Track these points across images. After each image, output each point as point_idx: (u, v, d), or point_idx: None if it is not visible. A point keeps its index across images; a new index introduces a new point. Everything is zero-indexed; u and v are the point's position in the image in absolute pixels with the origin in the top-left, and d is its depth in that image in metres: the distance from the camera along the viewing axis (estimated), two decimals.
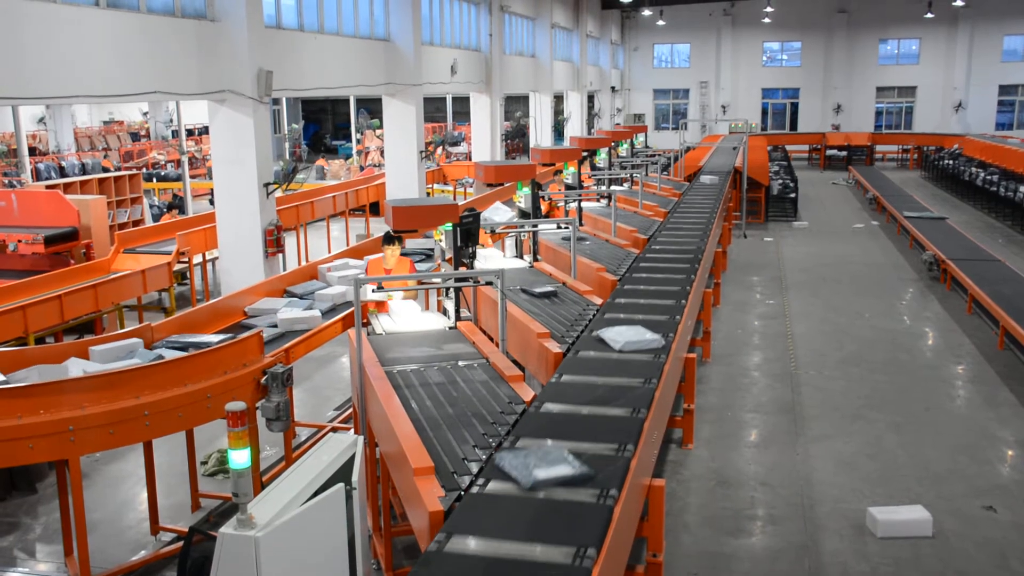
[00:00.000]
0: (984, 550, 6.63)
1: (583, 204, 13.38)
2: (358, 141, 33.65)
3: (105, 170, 22.70)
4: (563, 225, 11.49)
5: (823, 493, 7.56)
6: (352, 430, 7.99)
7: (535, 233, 10.42)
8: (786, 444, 8.61)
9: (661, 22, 42.33)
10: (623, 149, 18.79)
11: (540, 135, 30.78)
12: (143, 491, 7.48)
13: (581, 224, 12.56)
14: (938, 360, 11.32)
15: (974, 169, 25.89)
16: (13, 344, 9.35)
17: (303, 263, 15.14)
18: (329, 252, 15.30)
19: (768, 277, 16.05)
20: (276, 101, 34.76)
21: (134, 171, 20.09)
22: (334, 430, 8.68)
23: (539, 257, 10.44)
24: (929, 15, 38.82)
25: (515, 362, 6.87)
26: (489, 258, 10.44)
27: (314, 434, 9.05)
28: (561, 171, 15.03)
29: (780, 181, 23.72)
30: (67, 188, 16.33)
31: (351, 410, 8.59)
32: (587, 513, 4.07)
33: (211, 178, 13.72)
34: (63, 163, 23.95)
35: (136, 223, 17.53)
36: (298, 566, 3.65)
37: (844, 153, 37.05)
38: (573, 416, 5.30)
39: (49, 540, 7.04)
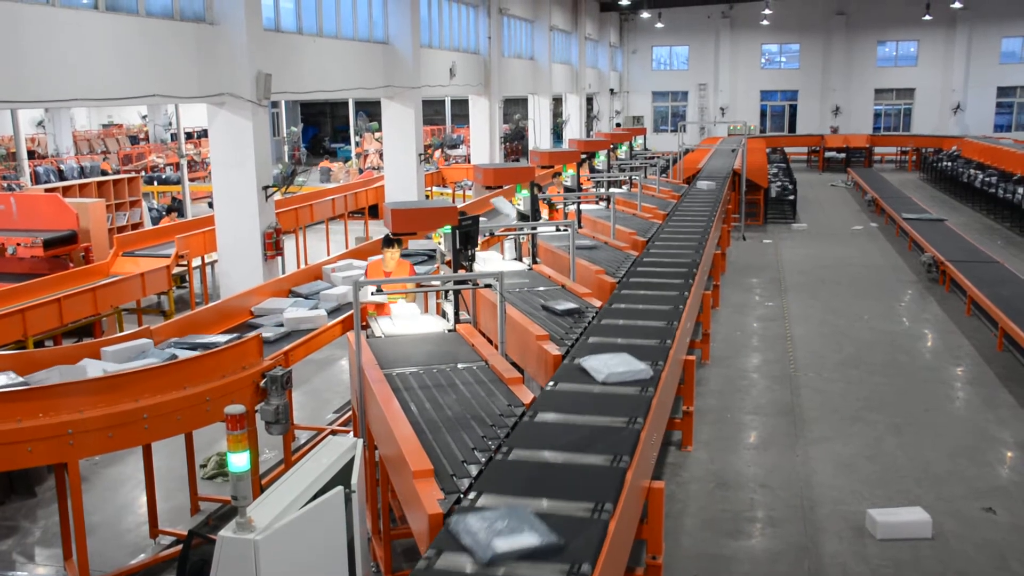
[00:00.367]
0: (983, 552, 6.63)
1: (582, 206, 13.40)
2: (357, 144, 33.66)
3: (104, 173, 22.71)
4: (562, 228, 11.49)
5: (822, 495, 7.56)
6: (351, 433, 8.00)
7: (534, 235, 10.42)
8: (785, 446, 8.61)
9: (660, 24, 42.37)
10: (622, 151, 18.79)
11: (539, 138, 30.79)
12: (142, 494, 7.48)
13: (580, 227, 12.57)
14: (937, 362, 11.33)
15: (973, 171, 25.92)
16: (12, 347, 9.34)
17: (302, 266, 15.14)
18: (328, 255, 15.31)
19: (767, 279, 16.06)
20: (275, 104, 34.79)
21: (133, 174, 20.09)
22: (333, 433, 8.68)
23: (538, 259, 10.44)
24: (927, 17, 38.88)
25: (514, 364, 6.88)
26: (488, 261, 10.45)
27: (313, 437, 9.04)
28: (560, 174, 15.04)
29: (779, 183, 23.73)
30: (66, 191, 16.34)
31: (350, 413, 8.59)
32: None
33: (210, 181, 13.72)
34: (62, 166, 23.98)
35: (135, 226, 17.53)
36: (297, 569, 3.65)
37: (843, 155, 37.07)
38: (544, 466, 4.63)
39: (48, 544, 7.03)
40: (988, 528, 6.98)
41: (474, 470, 4.68)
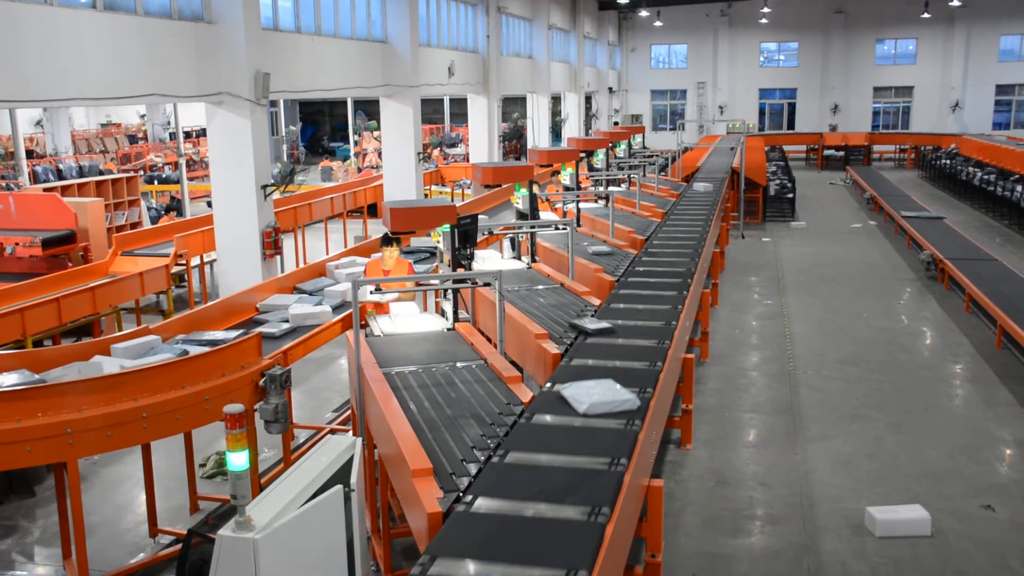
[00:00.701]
0: (983, 549, 6.63)
1: (581, 205, 13.40)
2: (355, 143, 33.65)
3: (102, 173, 22.68)
4: (560, 226, 11.48)
5: (822, 493, 7.56)
6: (351, 432, 7.99)
7: (533, 234, 10.42)
8: (785, 444, 8.62)
9: (658, 23, 42.37)
10: (621, 150, 18.79)
11: (538, 136, 30.78)
12: (141, 494, 7.48)
13: (579, 225, 12.57)
14: (936, 360, 11.33)
15: (971, 169, 25.93)
16: (11, 347, 9.34)
17: (301, 265, 15.15)
18: (327, 254, 15.31)
19: (766, 277, 16.06)
20: (274, 103, 34.77)
21: (131, 174, 20.07)
22: (333, 432, 8.68)
23: (537, 258, 10.44)
24: (926, 15, 38.90)
25: (513, 363, 6.87)
26: (487, 259, 10.45)
27: (312, 436, 9.04)
28: (559, 172, 15.04)
29: (778, 181, 23.73)
30: (64, 191, 16.32)
31: (349, 412, 8.59)
32: None
33: (209, 180, 13.72)
34: (60, 166, 23.96)
35: (134, 225, 17.52)
36: (297, 568, 3.65)
37: (841, 153, 37.08)
38: (512, 520, 4.03)
39: (47, 543, 7.03)
40: (987, 526, 6.98)
41: (473, 469, 4.68)
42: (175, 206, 20.81)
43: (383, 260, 8.63)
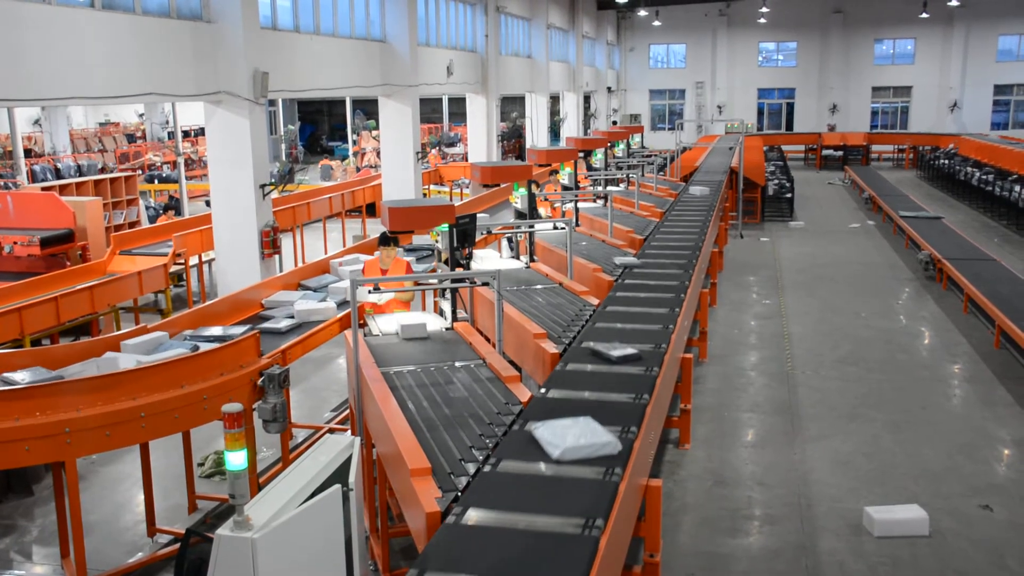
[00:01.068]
0: (981, 549, 6.63)
1: (580, 204, 13.40)
2: (354, 142, 33.63)
3: (104, 170, 22.68)
4: (559, 225, 11.49)
5: (820, 492, 7.56)
6: (349, 431, 7.99)
7: (531, 234, 10.42)
8: (783, 444, 8.62)
9: (657, 22, 42.38)
10: (619, 149, 18.79)
11: (536, 136, 30.79)
12: (140, 493, 7.47)
13: (577, 225, 12.58)
14: (934, 359, 11.34)
15: (969, 169, 25.94)
16: (9, 346, 9.33)
17: (299, 264, 15.15)
18: (326, 253, 15.32)
19: (764, 277, 16.07)
20: (272, 102, 34.76)
21: (130, 173, 20.06)
22: (331, 431, 8.67)
23: (535, 258, 10.44)
24: (924, 15, 38.92)
25: (512, 363, 6.88)
26: (485, 259, 10.45)
27: (311, 435, 9.05)
28: (557, 171, 15.04)
29: (776, 181, 23.75)
30: (63, 190, 16.30)
31: (348, 411, 8.59)
32: None
33: (208, 179, 13.72)
34: (59, 165, 23.94)
35: (132, 225, 17.51)
36: (295, 567, 3.65)
37: (840, 153, 37.09)
38: None
39: (46, 542, 7.02)
40: (985, 526, 6.99)
41: (471, 468, 4.68)
42: (173, 205, 20.80)
43: (381, 260, 8.63)
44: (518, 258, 10.46)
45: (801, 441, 8.67)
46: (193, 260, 14.05)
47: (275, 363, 7.02)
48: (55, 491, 6.47)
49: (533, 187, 10.54)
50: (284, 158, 33.93)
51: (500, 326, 6.76)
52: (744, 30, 43.08)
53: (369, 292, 7.26)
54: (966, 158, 27.62)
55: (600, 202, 15.23)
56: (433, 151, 32.22)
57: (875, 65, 42.30)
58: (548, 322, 7.72)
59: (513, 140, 36.15)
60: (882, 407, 9.57)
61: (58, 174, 23.04)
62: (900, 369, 10.88)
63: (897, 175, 32.53)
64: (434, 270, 8.78)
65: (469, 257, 7.67)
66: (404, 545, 6.52)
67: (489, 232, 12.13)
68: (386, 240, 8.48)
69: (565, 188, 13.43)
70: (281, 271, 12.82)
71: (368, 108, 34.28)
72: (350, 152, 33.34)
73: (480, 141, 24.56)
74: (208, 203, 14.25)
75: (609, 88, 43.01)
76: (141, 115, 37.30)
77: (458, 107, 37.32)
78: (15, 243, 12.48)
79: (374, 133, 30.90)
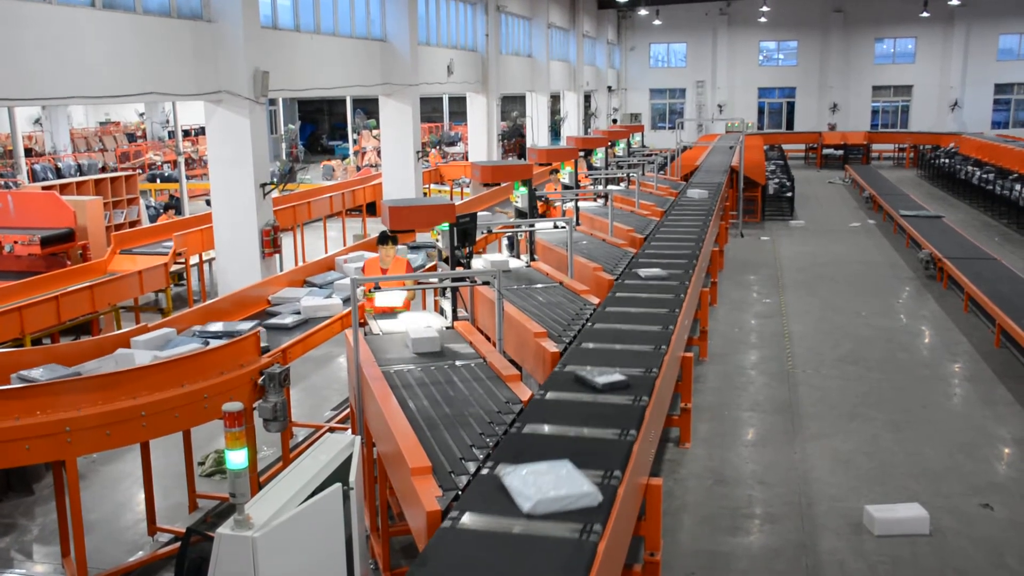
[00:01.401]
0: (981, 548, 6.63)
1: (580, 203, 13.39)
2: (355, 142, 33.64)
3: (104, 169, 22.68)
4: (559, 225, 11.48)
5: (820, 491, 7.57)
6: (349, 430, 7.99)
7: (532, 233, 10.42)
8: (783, 443, 8.62)
9: (657, 22, 42.37)
10: (620, 149, 18.79)
11: (537, 135, 30.78)
12: (140, 492, 7.47)
13: (578, 224, 12.57)
14: (935, 358, 11.34)
15: (970, 168, 25.93)
16: (10, 344, 9.34)
17: (300, 263, 15.15)
18: (326, 252, 15.33)
19: (765, 276, 16.07)
20: (272, 102, 34.76)
21: (130, 172, 20.06)
22: (331, 430, 8.68)
23: (536, 257, 10.44)
24: (925, 14, 38.89)
25: (512, 361, 6.87)
26: (491, 262, 10.44)
27: (311, 434, 9.05)
28: (558, 171, 15.03)
29: (777, 180, 23.74)
30: (63, 189, 16.31)
31: (348, 410, 8.59)
32: None
33: (208, 179, 13.73)
34: (59, 164, 23.94)
35: (133, 224, 17.51)
36: (295, 566, 3.65)
37: (840, 152, 37.08)
38: None
39: (46, 541, 7.03)
40: (985, 524, 6.99)
41: (472, 467, 4.68)
42: (174, 204, 20.80)
43: (381, 259, 8.63)
44: (518, 257, 10.46)
45: (801, 440, 8.67)
46: (193, 259, 14.06)
47: (275, 362, 7.03)
48: (55, 490, 6.47)
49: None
50: (284, 157, 33.94)
51: (500, 325, 6.76)
52: (745, 29, 43.06)
53: (369, 292, 7.27)
54: (967, 157, 27.61)
55: (601, 201, 15.22)
56: (433, 150, 32.23)
57: (876, 64, 42.28)
58: (548, 321, 7.72)
59: (513, 139, 36.15)
60: (882, 406, 9.57)
61: (58, 173, 23.04)
62: (900, 368, 10.88)
63: (897, 174, 32.52)
64: (434, 268, 8.79)
65: (470, 256, 7.67)
66: (404, 544, 6.53)
67: (489, 231, 12.13)
68: (385, 239, 8.48)
69: (566, 187, 13.42)
70: (281, 270, 12.83)
71: (368, 107, 34.29)
72: (350, 151, 33.35)
73: (480, 140, 24.56)
74: (208, 202, 14.26)
75: (609, 87, 42.99)
76: (141, 114, 37.30)
77: (458, 106, 37.34)
78: (15, 242, 12.48)
79: (374, 132, 30.90)
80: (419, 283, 8.41)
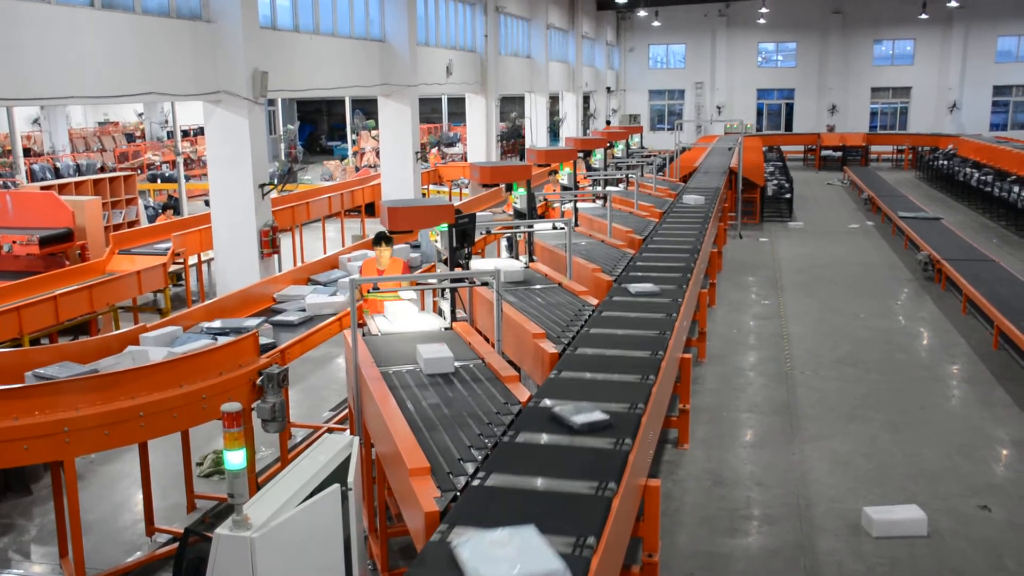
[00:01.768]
0: (979, 549, 6.64)
1: (579, 204, 13.40)
2: (353, 142, 33.64)
3: (103, 169, 22.68)
4: (558, 226, 11.49)
5: (819, 493, 7.57)
6: (348, 431, 7.99)
7: (531, 234, 10.43)
8: (782, 444, 8.62)
9: (656, 23, 42.38)
10: (619, 150, 18.80)
11: (536, 136, 30.79)
12: (138, 492, 7.47)
13: (577, 225, 12.58)
14: (933, 360, 11.35)
15: (968, 169, 25.95)
16: (9, 344, 9.33)
17: (298, 264, 15.14)
18: (325, 253, 15.33)
19: (763, 277, 16.07)
20: (271, 102, 34.74)
21: (129, 172, 20.05)
22: (330, 431, 8.67)
23: (535, 258, 10.44)
24: (924, 16, 38.92)
25: (511, 362, 6.88)
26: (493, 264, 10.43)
27: (310, 435, 9.04)
28: (556, 172, 15.04)
29: (775, 182, 23.75)
30: (62, 189, 16.30)
31: (347, 411, 8.59)
32: None
33: (207, 179, 13.72)
34: (58, 164, 23.92)
35: (131, 224, 17.50)
36: (294, 567, 3.65)
37: (839, 154, 37.09)
38: None
39: (44, 542, 7.02)
40: (984, 526, 7.00)
41: (471, 468, 4.68)
42: (173, 205, 20.79)
43: (378, 260, 8.63)
44: (517, 258, 10.46)
45: (800, 441, 8.67)
46: (192, 259, 14.04)
47: (274, 362, 7.02)
48: (54, 490, 6.47)
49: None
50: (283, 158, 33.92)
51: (499, 326, 6.76)
52: (743, 30, 43.09)
53: (368, 292, 7.27)
54: (965, 159, 27.63)
55: (599, 202, 15.23)
56: (432, 151, 32.22)
57: (874, 66, 42.31)
58: (547, 322, 7.72)
59: (512, 140, 36.17)
60: (881, 407, 9.57)
61: (57, 173, 23.02)
62: (899, 370, 10.88)
63: (896, 176, 32.54)
64: (432, 268, 8.80)
65: (468, 256, 7.67)
66: (403, 544, 6.53)
67: (488, 232, 12.13)
68: (379, 240, 8.48)
69: (564, 188, 13.43)
70: (280, 271, 12.82)
71: (367, 108, 34.29)
72: (349, 152, 33.34)
73: (479, 141, 24.56)
74: (207, 203, 14.26)
75: (608, 88, 43.01)
76: (140, 114, 37.26)
77: (457, 107, 37.33)
78: (14, 242, 12.47)
79: (373, 133, 30.90)
80: (417, 284, 8.40)
